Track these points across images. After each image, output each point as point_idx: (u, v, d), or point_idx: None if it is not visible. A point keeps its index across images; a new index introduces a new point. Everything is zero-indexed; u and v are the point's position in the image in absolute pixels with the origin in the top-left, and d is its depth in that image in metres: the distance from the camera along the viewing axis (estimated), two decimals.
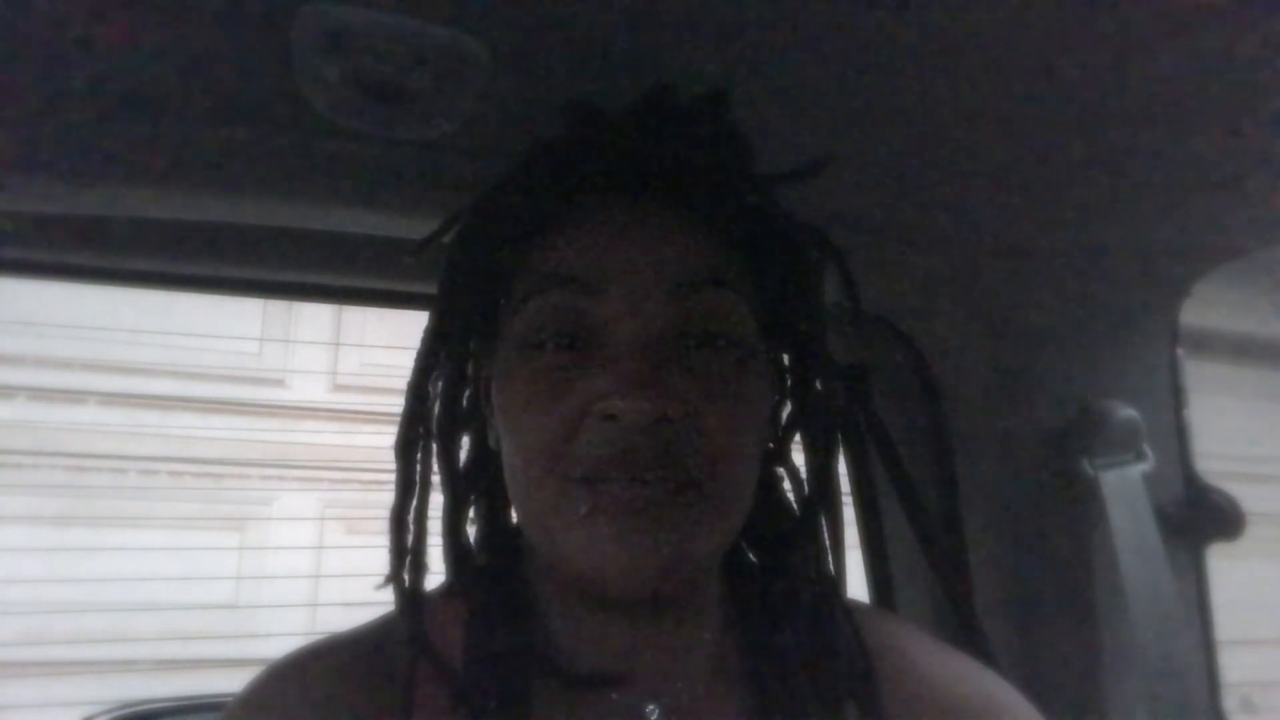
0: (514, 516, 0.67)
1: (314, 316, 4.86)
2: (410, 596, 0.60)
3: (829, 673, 0.61)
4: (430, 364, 0.63)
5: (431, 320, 0.64)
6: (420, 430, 0.62)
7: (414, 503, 0.61)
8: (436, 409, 0.63)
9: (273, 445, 4.62)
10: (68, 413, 4.39)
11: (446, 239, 0.66)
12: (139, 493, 4.42)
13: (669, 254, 0.57)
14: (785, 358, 0.67)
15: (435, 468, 0.63)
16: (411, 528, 0.61)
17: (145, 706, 1.47)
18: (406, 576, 0.60)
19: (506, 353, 0.59)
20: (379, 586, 0.61)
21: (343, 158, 0.74)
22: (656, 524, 0.53)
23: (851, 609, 0.67)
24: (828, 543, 0.67)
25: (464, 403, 0.65)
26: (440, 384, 0.63)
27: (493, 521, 0.67)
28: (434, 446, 0.62)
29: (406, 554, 0.60)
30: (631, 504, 0.53)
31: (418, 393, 0.62)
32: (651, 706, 0.58)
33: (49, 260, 0.87)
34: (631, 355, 0.54)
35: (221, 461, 4.55)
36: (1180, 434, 1.02)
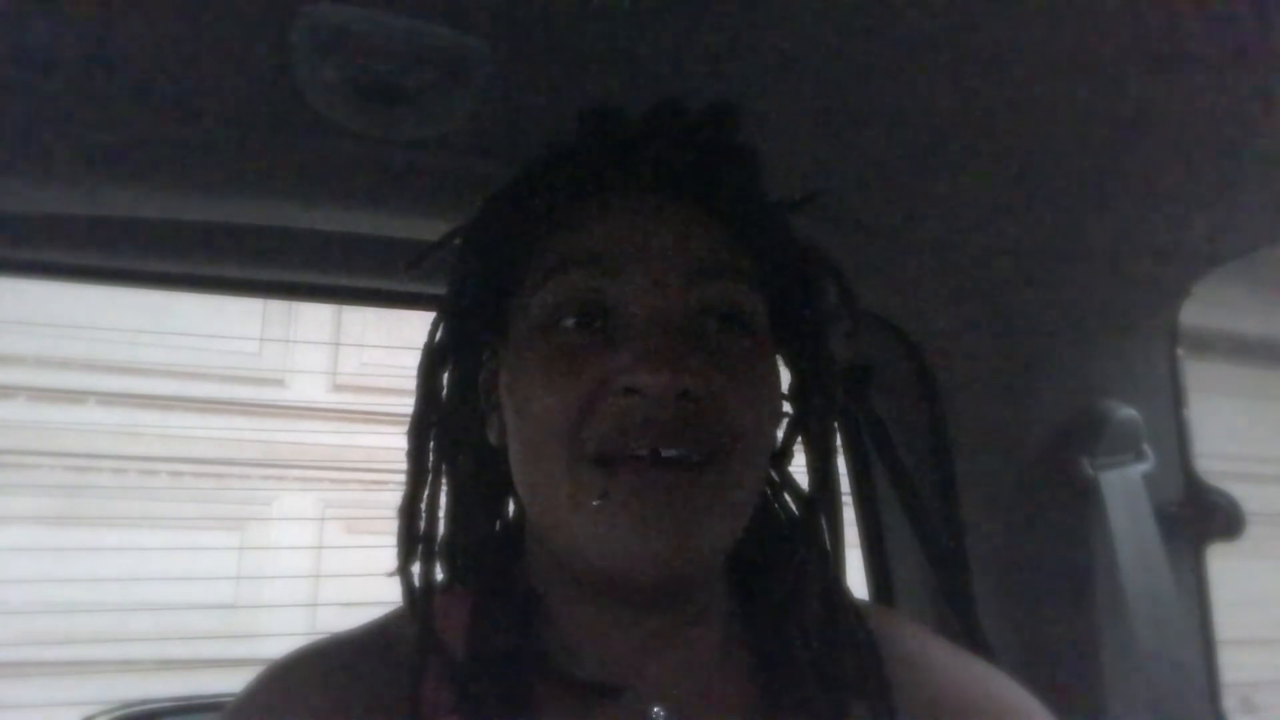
0: (514, 513, 0.68)
1: (314, 316, 4.85)
2: (421, 587, 0.60)
3: (838, 673, 0.61)
4: (441, 355, 0.63)
5: (443, 311, 0.64)
6: (432, 419, 0.62)
7: (425, 492, 0.61)
8: (445, 400, 0.63)
9: (273, 445, 4.61)
10: (68, 413, 4.39)
11: (457, 237, 0.66)
12: (139, 493, 4.41)
13: (686, 241, 0.58)
14: (787, 361, 0.67)
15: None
16: (423, 517, 0.61)
17: (145, 706, 1.47)
18: (416, 567, 0.60)
19: (520, 336, 0.59)
20: (389, 574, 0.61)
21: (343, 158, 0.74)
22: (671, 508, 0.53)
23: (861, 609, 0.66)
24: (829, 543, 0.67)
25: (474, 396, 0.65)
26: (449, 376, 0.63)
27: (495, 518, 0.67)
28: (443, 438, 0.63)
29: (417, 543, 0.61)
30: (646, 487, 0.53)
31: (429, 382, 0.63)
32: (657, 709, 0.58)
33: (49, 260, 0.86)
34: (652, 332, 0.55)
35: (221, 461, 4.54)
36: (1180, 434, 1.02)
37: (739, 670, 0.62)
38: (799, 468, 0.68)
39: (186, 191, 0.76)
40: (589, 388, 0.55)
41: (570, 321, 0.57)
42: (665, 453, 0.53)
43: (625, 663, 0.59)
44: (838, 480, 0.67)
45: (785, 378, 0.68)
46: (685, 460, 0.54)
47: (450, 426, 0.63)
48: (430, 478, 0.62)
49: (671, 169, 0.61)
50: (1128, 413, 0.95)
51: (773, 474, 0.67)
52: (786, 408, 0.67)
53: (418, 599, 0.60)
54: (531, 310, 0.58)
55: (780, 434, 0.67)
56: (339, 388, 4.88)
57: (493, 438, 0.64)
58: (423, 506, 0.61)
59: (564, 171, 0.62)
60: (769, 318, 0.62)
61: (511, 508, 0.68)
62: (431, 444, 0.62)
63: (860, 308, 0.67)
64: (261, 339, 4.77)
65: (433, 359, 0.63)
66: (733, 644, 0.63)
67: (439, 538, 0.62)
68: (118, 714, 1.43)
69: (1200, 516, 0.99)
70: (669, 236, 0.58)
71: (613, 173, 0.61)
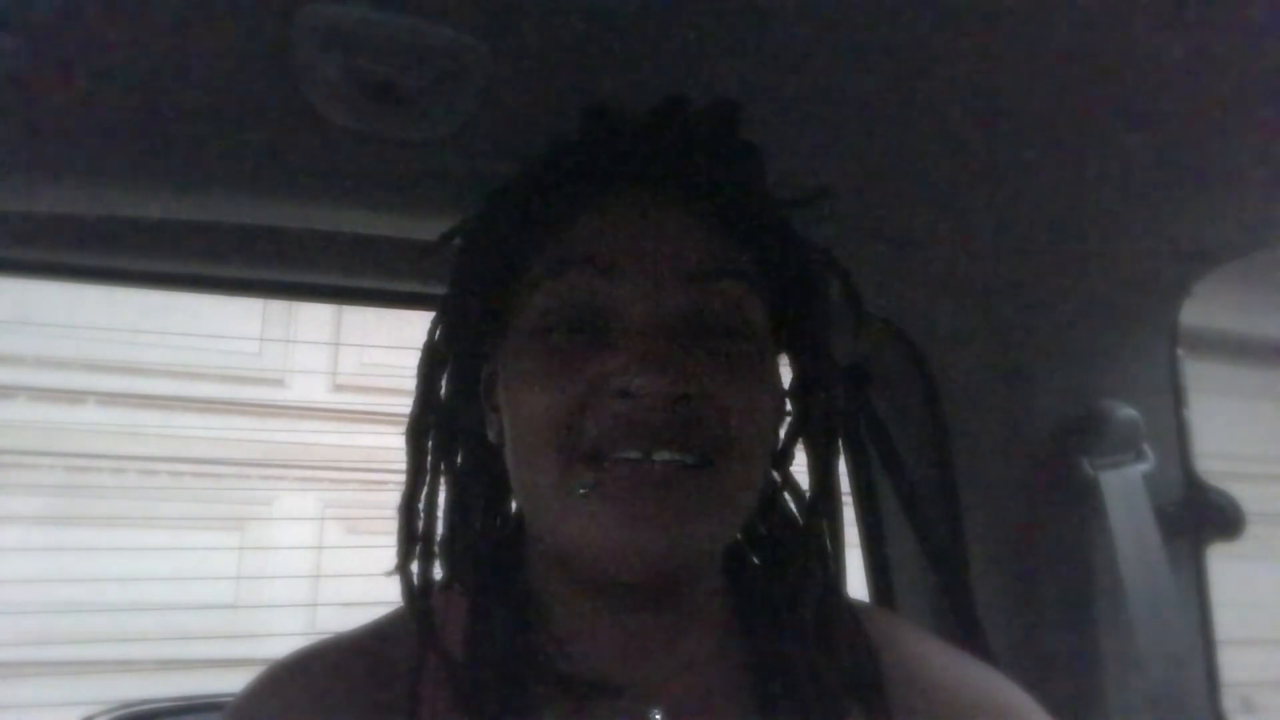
0: (515, 511, 0.68)
1: (314, 316, 4.85)
2: (420, 585, 0.60)
3: (835, 675, 0.61)
4: (441, 354, 0.63)
5: (443, 310, 0.64)
6: (431, 419, 0.63)
7: (424, 491, 0.61)
8: (444, 399, 0.63)
9: (273, 445, 4.61)
10: (68, 413, 4.39)
11: (457, 236, 0.66)
12: (139, 493, 4.41)
13: (685, 243, 0.58)
14: (790, 363, 0.67)
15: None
16: (421, 515, 0.61)
17: (145, 706, 1.47)
18: (415, 565, 0.60)
19: (518, 337, 0.59)
20: (388, 573, 0.61)
21: (343, 158, 0.74)
22: (662, 504, 0.53)
23: (857, 611, 0.66)
24: (829, 544, 0.67)
25: (473, 395, 0.65)
26: (448, 375, 0.63)
27: (494, 516, 0.67)
28: (442, 437, 0.63)
29: (416, 542, 0.61)
30: (637, 483, 0.53)
31: (428, 381, 0.63)
32: (654, 711, 0.58)
33: (49, 260, 0.86)
34: (647, 335, 0.55)
35: (221, 461, 4.54)
36: (1180, 434, 1.01)
37: (737, 672, 0.62)
38: (800, 468, 0.68)
39: (187, 191, 0.76)
40: (583, 389, 0.55)
41: (567, 324, 0.57)
42: (658, 455, 0.53)
43: (623, 663, 0.59)
44: (838, 482, 0.67)
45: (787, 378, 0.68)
46: (679, 463, 0.54)
47: (449, 425, 0.63)
48: (429, 477, 0.62)
49: (674, 168, 0.61)
50: (1128, 413, 0.95)
51: (775, 475, 0.67)
52: (788, 408, 0.67)
53: (416, 597, 0.60)
54: (529, 311, 0.58)
55: (782, 435, 0.67)
56: (339, 388, 4.88)
57: (493, 437, 0.64)
58: (421, 505, 0.61)
59: (566, 171, 0.61)
60: (772, 318, 0.62)
61: (513, 507, 0.68)
62: (430, 443, 0.62)
63: (864, 308, 0.67)
64: (261, 339, 4.77)
65: (432, 358, 0.64)
66: (731, 645, 0.63)
67: (438, 536, 0.62)
68: (118, 714, 1.43)
69: (1200, 516, 0.99)
70: (668, 238, 0.58)
71: (615, 172, 0.61)
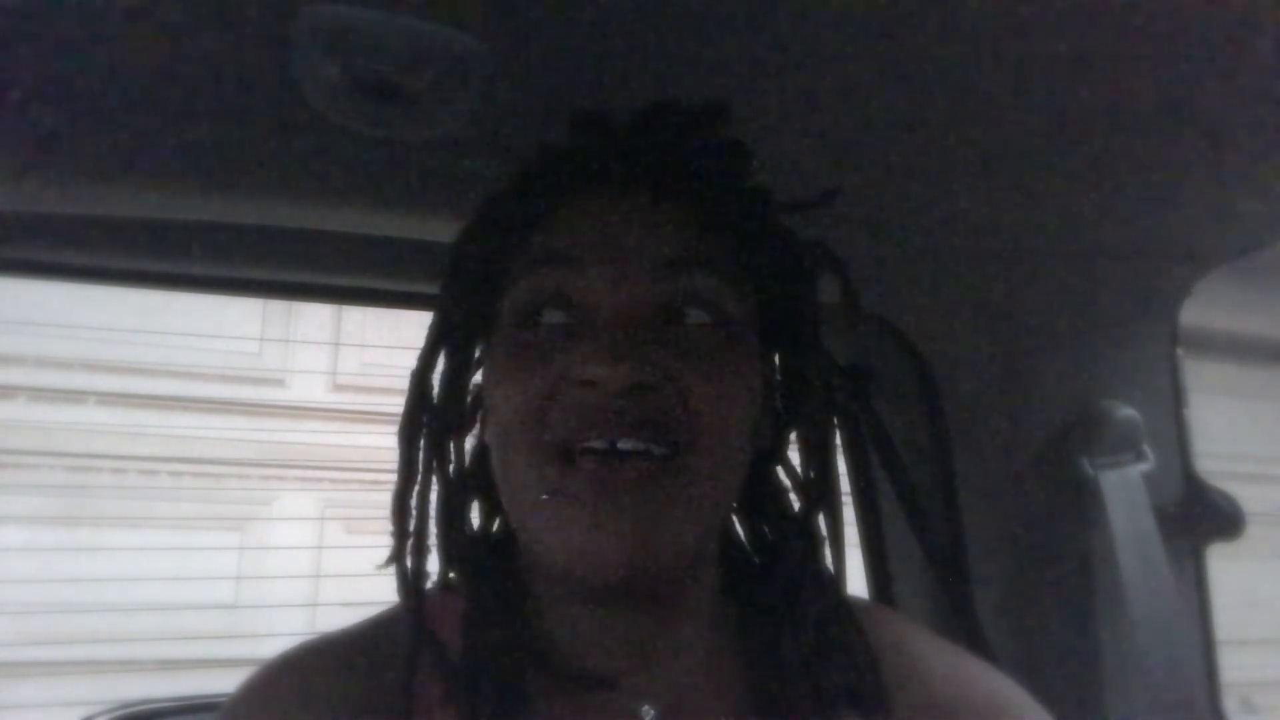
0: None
1: (314, 316, 4.85)
2: (413, 580, 0.61)
3: (831, 671, 0.61)
4: (433, 354, 0.64)
5: (436, 312, 0.65)
6: (422, 417, 0.63)
7: (415, 488, 0.62)
8: (435, 397, 0.64)
9: (273, 445, 4.61)
10: (68, 413, 4.39)
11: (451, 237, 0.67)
12: (139, 493, 4.41)
13: (656, 235, 0.58)
14: (780, 358, 0.67)
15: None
16: (413, 513, 0.61)
17: (145, 706, 1.47)
18: (408, 561, 0.61)
19: (497, 335, 0.60)
20: (381, 566, 0.62)
21: (343, 158, 0.74)
22: (630, 503, 0.52)
23: (854, 607, 0.66)
24: (827, 541, 0.67)
25: (463, 394, 0.65)
26: (441, 373, 0.64)
27: (489, 514, 0.67)
28: (432, 434, 0.63)
29: (408, 538, 0.61)
30: (604, 483, 0.53)
31: (421, 381, 0.63)
32: (647, 707, 0.58)
33: (49, 260, 0.87)
34: (611, 325, 0.55)
35: (221, 461, 4.54)
36: (1180, 434, 1.02)
37: (733, 668, 0.62)
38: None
39: (187, 191, 0.76)
40: (551, 382, 0.55)
41: (537, 318, 0.58)
42: (623, 445, 0.53)
43: (615, 659, 0.59)
44: (837, 479, 0.67)
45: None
46: (646, 454, 0.53)
47: (440, 423, 0.63)
48: (420, 474, 0.62)
49: (653, 167, 0.61)
50: (1128, 413, 0.95)
51: (780, 473, 0.67)
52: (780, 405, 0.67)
53: (409, 593, 0.60)
54: (507, 309, 0.59)
55: (775, 431, 0.67)
56: (339, 388, 4.88)
57: (487, 435, 0.64)
58: (412, 502, 0.62)
59: (551, 174, 0.62)
60: (761, 312, 0.62)
61: None
62: (421, 441, 0.63)
63: (860, 302, 0.67)
64: (261, 339, 4.77)
65: (425, 357, 0.64)
66: (725, 642, 0.63)
67: (431, 533, 0.62)
68: (118, 714, 1.43)
69: (1200, 516, 0.99)
70: (637, 231, 0.58)
71: (596, 173, 0.61)
